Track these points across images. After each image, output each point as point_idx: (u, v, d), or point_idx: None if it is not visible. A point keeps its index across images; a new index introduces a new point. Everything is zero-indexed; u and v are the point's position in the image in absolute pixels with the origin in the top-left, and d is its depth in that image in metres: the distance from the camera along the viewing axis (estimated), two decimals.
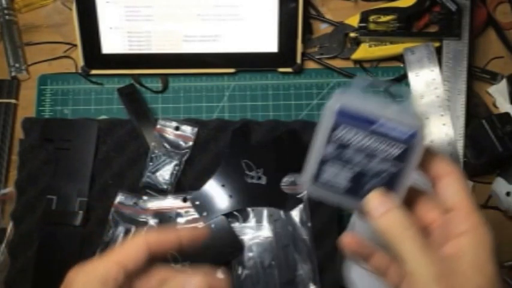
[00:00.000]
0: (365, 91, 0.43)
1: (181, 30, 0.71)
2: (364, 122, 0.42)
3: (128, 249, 0.43)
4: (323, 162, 0.43)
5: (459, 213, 0.41)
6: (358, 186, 0.43)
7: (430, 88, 0.69)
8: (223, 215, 0.63)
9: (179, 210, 0.63)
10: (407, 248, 0.40)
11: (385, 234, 0.42)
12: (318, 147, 0.43)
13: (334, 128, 0.42)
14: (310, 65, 0.75)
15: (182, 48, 0.71)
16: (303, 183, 0.44)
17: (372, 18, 0.73)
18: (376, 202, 0.42)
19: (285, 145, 0.66)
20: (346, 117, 0.42)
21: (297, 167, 0.64)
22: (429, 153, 0.43)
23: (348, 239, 0.46)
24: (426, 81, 0.69)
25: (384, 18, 0.72)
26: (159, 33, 0.71)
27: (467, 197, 0.42)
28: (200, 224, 0.63)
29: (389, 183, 0.42)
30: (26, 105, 0.73)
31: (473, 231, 0.41)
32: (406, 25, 0.72)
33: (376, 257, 0.46)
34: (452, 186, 0.42)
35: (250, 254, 0.62)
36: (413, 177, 0.42)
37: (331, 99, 0.42)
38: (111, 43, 0.71)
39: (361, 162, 0.42)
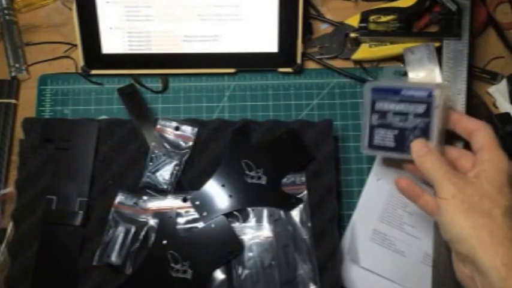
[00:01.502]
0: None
1: (182, 30, 0.71)
2: (392, 93, 0.59)
3: None
4: (372, 130, 0.61)
5: (484, 148, 0.54)
6: (401, 142, 0.59)
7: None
8: (223, 214, 0.63)
9: (179, 210, 0.63)
10: (436, 175, 0.53)
11: (423, 168, 0.55)
12: (366, 120, 0.61)
13: (373, 102, 0.61)
14: (310, 65, 0.75)
15: (182, 48, 0.71)
16: (362, 148, 0.62)
17: (372, 18, 0.73)
18: (418, 147, 0.57)
19: (285, 145, 0.66)
20: (379, 92, 0.60)
21: (297, 167, 0.65)
22: (460, 116, 0.59)
23: (402, 182, 0.59)
24: (426, 81, 0.69)
25: (384, 18, 0.72)
26: (159, 33, 0.71)
27: (491, 138, 0.55)
28: (200, 224, 0.63)
29: (424, 135, 0.57)
30: (26, 105, 0.73)
31: (493, 158, 0.53)
32: (406, 25, 0.72)
33: (424, 197, 0.58)
34: (480, 134, 0.56)
35: (250, 254, 0.62)
36: (439, 126, 0.57)
37: (366, 84, 0.62)
38: (111, 43, 0.71)
39: (399, 123, 0.59)
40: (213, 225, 0.63)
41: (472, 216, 0.50)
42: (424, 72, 0.69)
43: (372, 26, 0.73)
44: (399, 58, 0.74)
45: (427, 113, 0.57)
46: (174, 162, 0.65)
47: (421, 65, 0.70)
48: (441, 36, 0.71)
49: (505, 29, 0.75)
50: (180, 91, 0.73)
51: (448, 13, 0.71)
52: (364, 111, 0.61)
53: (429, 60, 0.69)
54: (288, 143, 0.66)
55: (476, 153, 0.55)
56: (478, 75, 0.73)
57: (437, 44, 0.71)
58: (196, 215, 0.63)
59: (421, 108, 0.58)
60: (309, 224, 0.63)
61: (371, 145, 0.61)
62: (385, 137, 0.60)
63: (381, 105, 0.60)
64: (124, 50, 0.71)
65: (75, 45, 0.73)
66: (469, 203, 0.51)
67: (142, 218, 0.64)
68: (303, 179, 0.65)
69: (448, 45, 0.70)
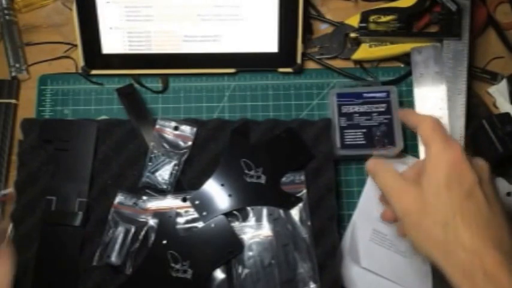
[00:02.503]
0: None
1: (182, 30, 0.71)
2: (355, 97, 0.68)
3: None
4: (342, 131, 0.67)
5: (425, 145, 0.54)
6: (370, 139, 0.66)
7: (432, 88, 0.69)
8: (223, 214, 0.63)
9: (179, 210, 0.63)
10: (387, 194, 0.56)
11: (378, 186, 0.58)
12: (335, 123, 0.67)
13: (339, 107, 0.68)
14: (311, 65, 0.75)
15: (182, 48, 0.71)
16: (336, 150, 0.66)
17: (372, 18, 0.73)
18: (369, 167, 0.61)
19: (284, 144, 0.66)
20: (343, 97, 0.68)
21: (296, 166, 0.65)
22: (407, 111, 0.64)
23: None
24: (429, 81, 0.69)
25: (384, 19, 0.72)
26: (159, 33, 0.71)
27: (429, 131, 0.54)
28: (200, 224, 0.63)
29: (389, 129, 0.66)
30: (26, 105, 0.73)
31: (431, 156, 0.53)
32: (407, 25, 0.72)
33: None
34: (420, 130, 0.56)
35: (250, 253, 0.62)
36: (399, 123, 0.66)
37: (331, 91, 0.69)
38: (111, 43, 0.71)
39: (365, 122, 0.67)
40: (212, 225, 0.63)
41: (424, 231, 0.50)
42: (428, 73, 0.69)
43: (372, 26, 0.73)
44: (399, 58, 0.74)
45: (388, 111, 0.67)
46: (174, 162, 0.65)
47: (426, 65, 0.70)
48: (441, 36, 0.71)
49: (505, 29, 0.76)
50: (180, 91, 0.73)
51: (448, 13, 0.71)
52: (333, 116, 0.68)
53: (435, 62, 0.69)
54: (287, 142, 0.66)
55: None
56: (478, 75, 0.73)
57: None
58: (196, 215, 0.63)
59: (382, 107, 0.67)
60: (309, 223, 0.63)
61: (343, 145, 0.66)
62: (355, 136, 0.67)
63: (347, 109, 0.68)
64: (124, 50, 0.71)
65: (75, 45, 0.73)
66: (419, 214, 0.51)
67: (142, 218, 0.63)
68: (302, 177, 0.65)
69: (448, 45, 0.70)
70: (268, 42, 0.71)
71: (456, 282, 0.47)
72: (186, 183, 0.65)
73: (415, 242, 0.52)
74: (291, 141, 0.66)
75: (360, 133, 0.67)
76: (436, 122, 0.55)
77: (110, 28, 0.70)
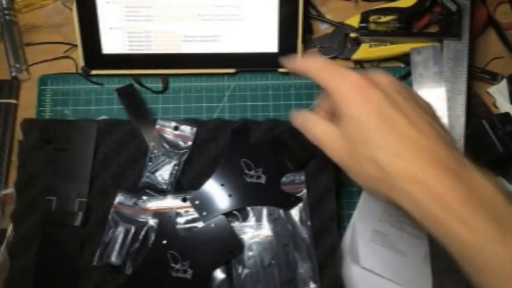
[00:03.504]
0: None
1: (182, 30, 0.71)
2: None
3: None
4: None
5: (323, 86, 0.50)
6: None
7: (432, 89, 0.69)
8: (223, 214, 0.63)
9: (179, 210, 0.63)
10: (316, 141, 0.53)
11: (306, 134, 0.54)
12: None
13: None
14: None
15: (182, 48, 0.72)
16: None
17: (372, 18, 0.73)
18: (299, 120, 0.55)
19: (284, 144, 0.66)
20: None
21: (296, 166, 0.65)
22: (293, 61, 0.54)
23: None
24: (429, 81, 0.69)
25: (384, 19, 0.72)
26: (159, 34, 0.71)
27: (318, 73, 0.50)
28: (200, 224, 0.63)
29: None
30: (27, 105, 0.73)
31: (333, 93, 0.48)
32: (407, 25, 0.72)
33: None
34: (311, 72, 0.51)
35: (250, 253, 0.62)
36: None
37: None
38: (111, 43, 0.71)
39: None
40: (212, 225, 0.63)
41: (363, 172, 0.47)
42: (427, 74, 0.69)
43: (372, 26, 0.73)
44: (399, 58, 0.74)
45: None
46: (173, 162, 0.65)
47: (426, 65, 0.70)
48: (441, 36, 0.71)
49: (505, 29, 0.75)
50: (180, 91, 0.73)
51: (448, 13, 0.71)
52: None
53: (434, 62, 0.70)
54: (287, 142, 0.66)
55: None
56: (478, 75, 0.73)
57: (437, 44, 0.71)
58: (196, 215, 0.63)
59: None
60: (309, 223, 0.63)
61: None
62: None
63: None
64: (124, 50, 0.71)
65: (75, 46, 0.73)
66: (352, 158, 0.48)
67: (142, 218, 0.63)
68: (302, 177, 0.65)
69: (448, 46, 0.70)
70: (268, 42, 0.71)
71: (409, 212, 0.44)
72: (186, 183, 0.65)
73: (363, 186, 0.49)
74: (291, 141, 0.66)
75: None
76: (323, 60, 0.51)
77: (110, 28, 0.71)
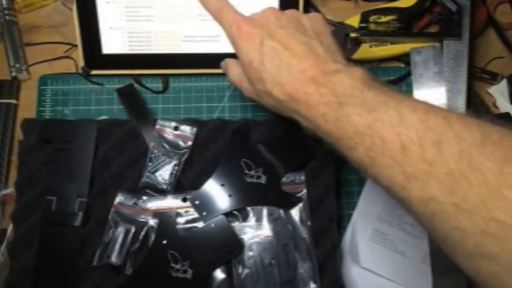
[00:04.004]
0: None
1: (182, 30, 0.71)
2: None
3: None
4: None
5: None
6: None
7: (432, 89, 0.69)
8: (223, 214, 0.63)
9: (179, 210, 0.63)
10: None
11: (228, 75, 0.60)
12: None
13: None
14: None
15: (182, 48, 0.72)
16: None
17: (372, 18, 0.73)
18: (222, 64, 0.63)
19: (284, 144, 0.66)
20: None
21: (297, 166, 0.65)
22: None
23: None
24: (429, 81, 0.69)
25: (384, 19, 0.73)
26: (159, 34, 0.71)
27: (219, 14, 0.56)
28: (200, 224, 0.63)
29: None
30: (27, 105, 0.73)
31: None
32: (407, 25, 0.72)
33: None
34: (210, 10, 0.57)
35: (250, 253, 0.62)
36: None
37: None
38: (111, 43, 0.71)
39: None
40: (212, 225, 0.63)
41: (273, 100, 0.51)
42: (427, 74, 0.69)
43: (372, 26, 0.73)
44: (399, 58, 0.74)
45: None
46: (174, 162, 0.65)
47: (426, 65, 0.70)
48: (441, 36, 0.71)
49: (505, 29, 0.76)
50: (181, 91, 0.73)
51: (448, 13, 0.71)
52: None
53: (434, 62, 0.70)
54: (287, 142, 0.66)
55: None
56: (478, 75, 0.73)
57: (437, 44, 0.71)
58: (196, 215, 0.63)
59: None
60: (309, 223, 0.63)
61: None
62: None
63: None
64: (124, 50, 0.71)
65: (76, 46, 0.73)
66: (262, 90, 0.52)
67: (142, 218, 0.63)
68: (303, 177, 0.65)
69: (448, 46, 0.70)
70: None
71: (305, 128, 0.50)
72: (186, 183, 0.65)
73: (275, 111, 0.53)
74: (291, 141, 0.66)
75: None
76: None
77: (110, 28, 0.70)
